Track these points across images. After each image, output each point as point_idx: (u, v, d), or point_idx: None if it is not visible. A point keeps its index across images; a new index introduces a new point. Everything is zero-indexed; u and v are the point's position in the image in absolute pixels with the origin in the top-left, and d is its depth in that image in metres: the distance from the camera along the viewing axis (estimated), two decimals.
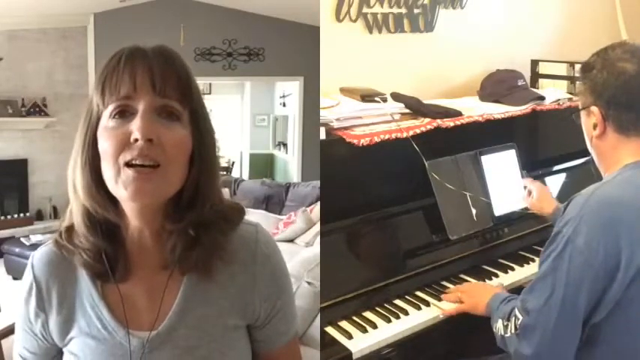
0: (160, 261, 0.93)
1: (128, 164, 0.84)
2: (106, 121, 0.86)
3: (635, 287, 1.20)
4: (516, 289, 1.42)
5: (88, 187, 0.88)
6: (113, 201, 0.89)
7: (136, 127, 0.83)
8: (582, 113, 1.41)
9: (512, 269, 1.92)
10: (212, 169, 0.94)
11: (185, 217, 0.90)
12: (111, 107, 0.85)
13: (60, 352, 0.99)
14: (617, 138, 1.35)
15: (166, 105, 0.86)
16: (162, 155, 0.85)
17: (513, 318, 1.33)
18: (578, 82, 1.45)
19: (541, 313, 1.26)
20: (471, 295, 1.66)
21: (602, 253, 1.20)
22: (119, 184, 0.85)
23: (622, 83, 1.32)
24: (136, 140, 0.83)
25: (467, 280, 1.84)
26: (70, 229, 0.95)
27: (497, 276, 1.88)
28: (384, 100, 1.95)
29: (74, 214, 0.93)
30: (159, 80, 0.85)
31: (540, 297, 1.26)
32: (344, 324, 1.61)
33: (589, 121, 1.39)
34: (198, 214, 0.91)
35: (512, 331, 1.33)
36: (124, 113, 0.85)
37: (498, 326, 1.40)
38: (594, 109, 1.35)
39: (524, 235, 2.02)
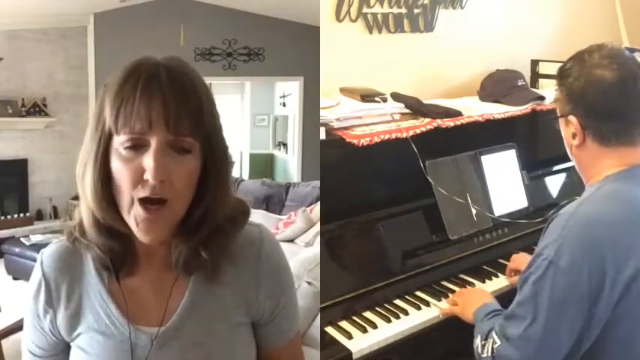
0: (167, 262, 0.95)
1: (140, 200, 0.86)
2: (119, 146, 0.87)
3: (623, 305, 1.17)
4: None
5: (99, 203, 0.89)
6: (121, 214, 0.90)
7: (148, 167, 0.85)
8: (560, 121, 1.37)
9: None
10: (223, 193, 0.95)
11: (195, 236, 0.92)
12: (124, 137, 0.86)
13: (68, 347, 1.00)
14: (597, 148, 1.29)
15: (177, 140, 0.87)
16: (170, 191, 0.87)
17: (491, 340, 1.30)
18: (555, 88, 1.39)
19: (521, 341, 1.22)
20: (465, 299, 1.64)
21: (587, 273, 1.16)
22: (131, 216, 0.88)
23: (601, 93, 1.26)
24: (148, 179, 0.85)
25: (467, 280, 1.84)
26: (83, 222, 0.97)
27: (497, 276, 1.88)
28: (384, 100, 1.96)
29: (83, 215, 0.94)
30: (173, 118, 0.85)
31: (521, 324, 1.22)
32: (344, 324, 1.61)
33: (568, 130, 1.34)
34: (207, 231, 0.93)
35: (489, 353, 1.29)
36: (137, 145, 0.86)
37: (477, 343, 1.36)
38: (572, 118, 1.30)
39: (524, 235, 2.01)
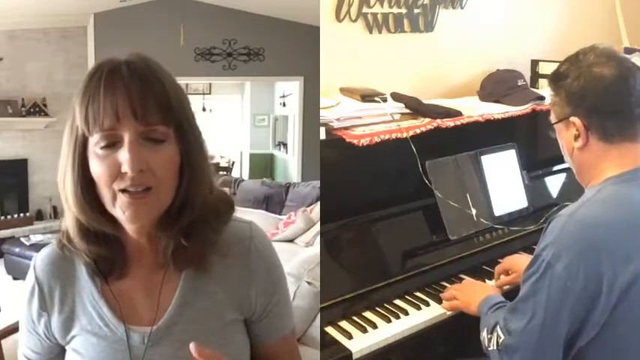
0: (156, 259, 0.96)
1: (122, 190, 0.87)
2: (94, 147, 0.87)
3: (621, 309, 1.17)
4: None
5: (81, 207, 0.90)
6: (107, 215, 0.91)
7: (124, 160, 0.85)
8: (560, 125, 1.36)
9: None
10: (201, 178, 0.95)
11: (176, 223, 0.92)
12: (97, 137, 0.86)
13: (63, 351, 1.01)
14: (600, 147, 1.29)
15: (150, 130, 0.87)
16: (152, 179, 0.87)
17: (496, 334, 1.31)
18: (550, 94, 1.39)
19: (522, 335, 1.24)
20: (466, 293, 1.65)
21: (583, 277, 1.17)
22: (117, 207, 0.88)
23: (603, 89, 1.26)
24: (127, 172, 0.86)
25: None
26: None
27: None
28: (384, 100, 1.96)
29: (67, 223, 0.95)
30: (139, 108, 0.86)
31: (521, 319, 1.25)
32: (344, 324, 1.61)
33: (568, 133, 1.33)
34: (188, 219, 0.93)
35: (495, 346, 1.31)
36: (110, 142, 0.86)
37: (483, 336, 1.38)
38: (575, 119, 1.30)
39: (524, 235, 2.01)
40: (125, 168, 0.85)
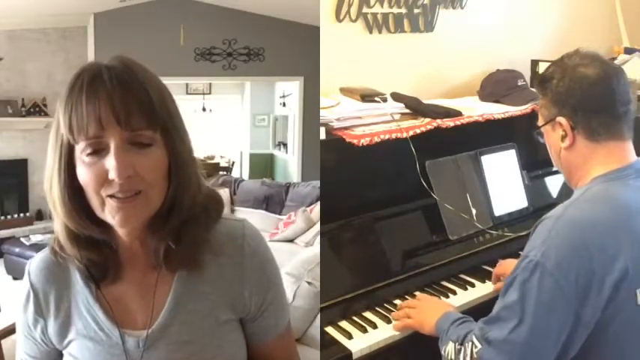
0: (149, 262, 0.96)
1: (110, 195, 0.87)
2: (80, 154, 0.87)
3: (613, 306, 1.16)
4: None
5: (69, 213, 0.90)
6: (96, 220, 0.91)
7: (111, 167, 0.85)
8: (547, 128, 1.37)
9: None
10: (190, 178, 0.94)
11: (166, 225, 0.92)
12: (82, 144, 0.86)
13: (60, 355, 1.01)
14: (587, 146, 1.30)
15: (136, 135, 0.87)
16: (141, 183, 0.87)
17: (470, 344, 1.27)
18: (539, 97, 1.40)
19: (505, 344, 1.20)
20: (420, 311, 1.58)
21: (574, 274, 1.15)
22: (106, 213, 0.88)
23: (587, 88, 1.28)
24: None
25: (467, 280, 1.84)
26: None
27: None
28: (384, 100, 1.96)
29: (57, 230, 0.94)
30: (122, 114, 0.85)
31: (505, 327, 1.20)
32: (344, 324, 1.61)
33: (555, 134, 1.35)
34: (178, 219, 0.93)
35: (467, 358, 1.27)
36: (96, 148, 0.86)
37: (448, 349, 1.34)
38: (561, 119, 1.31)
39: (524, 235, 2.01)
40: (112, 175, 0.85)
